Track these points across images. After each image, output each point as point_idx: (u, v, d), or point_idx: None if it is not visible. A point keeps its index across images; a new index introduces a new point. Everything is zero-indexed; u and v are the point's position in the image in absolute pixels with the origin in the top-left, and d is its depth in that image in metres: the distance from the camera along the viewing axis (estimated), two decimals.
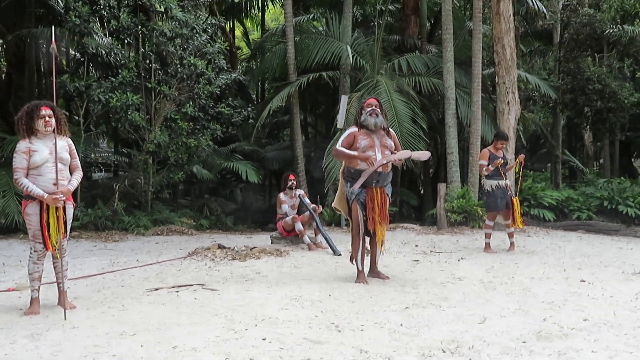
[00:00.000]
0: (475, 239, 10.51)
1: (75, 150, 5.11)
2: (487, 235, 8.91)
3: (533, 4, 15.90)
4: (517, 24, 17.01)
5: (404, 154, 6.32)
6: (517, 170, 10.10)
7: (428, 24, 18.02)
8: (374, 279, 6.31)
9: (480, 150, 9.46)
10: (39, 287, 4.95)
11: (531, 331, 4.19)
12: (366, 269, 6.39)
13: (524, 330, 4.23)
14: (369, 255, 6.51)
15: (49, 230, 4.79)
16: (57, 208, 4.80)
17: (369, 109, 6.12)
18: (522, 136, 17.32)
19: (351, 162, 6.14)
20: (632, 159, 23.98)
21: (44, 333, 4.20)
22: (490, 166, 8.60)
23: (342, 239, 9.61)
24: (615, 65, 17.03)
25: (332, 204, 6.78)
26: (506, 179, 8.80)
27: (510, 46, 13.50)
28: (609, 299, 5.36)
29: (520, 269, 7.19)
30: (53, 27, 6.01)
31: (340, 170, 6.43)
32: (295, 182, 9.55)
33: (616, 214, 12.46)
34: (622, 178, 15.03)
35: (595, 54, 17.14)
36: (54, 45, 5.27)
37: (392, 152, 6.13)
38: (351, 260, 6.38)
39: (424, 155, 6.83)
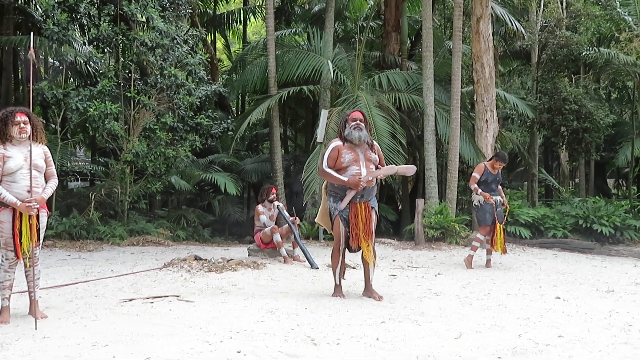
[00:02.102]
0: (452, 254, 10.56)
1: (51, 158, 5.04)
2: (474, 248, 8.94)
3: (512, 24, 16.18)
4: (496, 43, 17.32)
5: (390, 169, 6.20)
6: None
7: (409, 42, 18.18)
8: (360, 295, 6.22)
9: (475, 166, 9.47)
10: (9, 295, 4.85)
11: (506, 347, 4.20)
12: (344, 283, 6.36)
13: (500, 345, 4.24)
14: (362, 272, 6.41)
15: (20, 239, 4.71)
16: (30, 216, 4.72)
17: (353, 123, 5.93)
18: None
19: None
20: (607, 179, 24.34)
21: (14, 342, 4.11)
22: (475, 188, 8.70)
23: (320, 253, 9.60)
24: (591, 87, 17.33)
25: (315, 219, 6.64)
26: (498, 195, 8.87)
27: (489, 65, 13.72)
28: (584, 316, 5.40)
29: (496, 285, 7.23)
30: (32, 34, 5.94)
31: (323, 185, 6.27)
32: (275, 196, 9.52)
33: (591, 232, 12.61)
34: (597, 197, 15.24)
35: (572, 75, 17.44)
36: (31, 52, 5.21)
37: (376, 166, 6.01)
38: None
39: (410, 169, 6.53)
